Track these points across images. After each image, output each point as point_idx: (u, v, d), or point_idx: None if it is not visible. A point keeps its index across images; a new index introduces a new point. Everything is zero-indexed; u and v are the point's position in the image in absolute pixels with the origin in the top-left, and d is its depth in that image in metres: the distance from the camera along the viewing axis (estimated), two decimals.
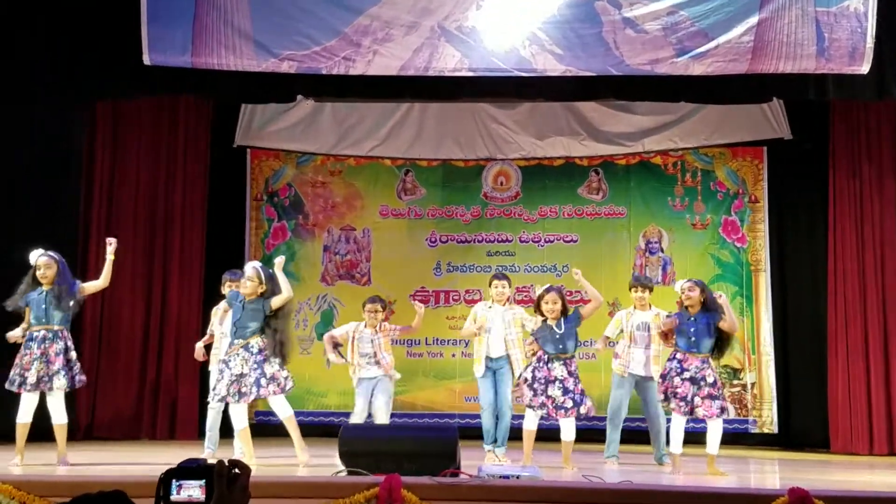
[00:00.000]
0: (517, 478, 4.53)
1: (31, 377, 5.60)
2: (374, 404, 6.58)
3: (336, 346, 6.77)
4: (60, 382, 5.66)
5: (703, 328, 5.88)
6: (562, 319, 6.15)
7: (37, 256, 5.90)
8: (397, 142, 9.37)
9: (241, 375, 5.80)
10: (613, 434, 6.55)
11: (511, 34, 7.06)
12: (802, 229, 8.88)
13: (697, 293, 5.96)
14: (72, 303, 5.86)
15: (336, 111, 9.37)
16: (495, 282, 6.83)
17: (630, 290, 6.73)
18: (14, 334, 5.80)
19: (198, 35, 7.09)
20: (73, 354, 5.82)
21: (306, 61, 7.10)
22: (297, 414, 6.13)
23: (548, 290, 6.24)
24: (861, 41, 6.80)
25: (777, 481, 6.11)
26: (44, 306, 5.75)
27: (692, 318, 5.94)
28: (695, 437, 6.32)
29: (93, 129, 8.34)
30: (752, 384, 8.78)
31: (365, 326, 6.68)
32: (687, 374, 5.83)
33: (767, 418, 8.72)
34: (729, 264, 8.99)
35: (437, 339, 9.13)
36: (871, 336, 8.03)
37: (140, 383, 8.34)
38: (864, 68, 6.82)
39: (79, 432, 7.71)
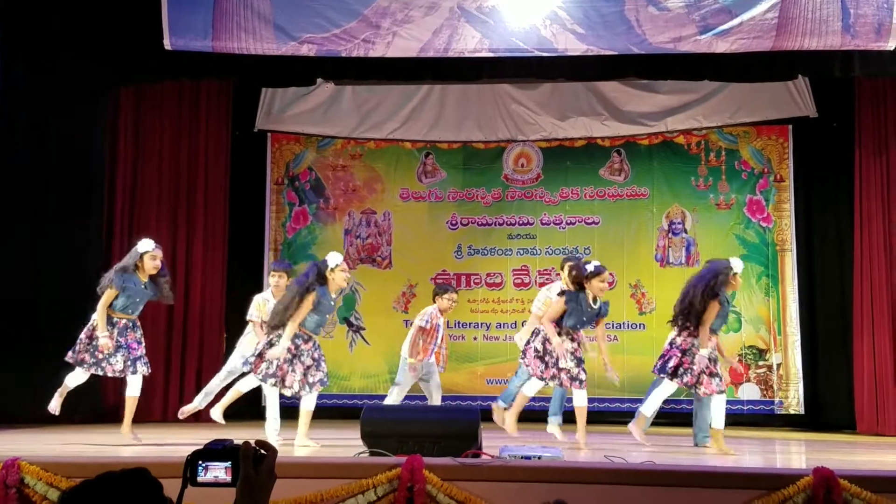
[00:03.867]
0: (539, 458, 4.52)
1: (118, 364, 5.86)
2: (431, 387, 7.01)
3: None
4: (144, 368, 5.98)
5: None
6: (599, 301, 6.19)
7: (153, 246, 5.97)
8: (417, 124, 9.34)
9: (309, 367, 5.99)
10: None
11: (531, 14, 7.01)
12: (829, 208, 8.77)
13: None
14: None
15: (356, 94, 9.36)
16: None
17: None
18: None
19: (218, 19, 7.11)
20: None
21: (326, 44, 7.09)
22: (320, 397, 6.18)
23: (603, 269, 6.21)
24: (887, 16, 6.69)
25: (803, 461, 6.07)
26: (138, 299, 5.95)
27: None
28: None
29: (115, 114, 8.39)
30: (779, 365, 8.71)
31: (441, 314, 7.06)
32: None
33: (794, 399, 8.65)
34: (754, 244, 8.90)
35: (459, 322, 9.12)
36: None
37: (165, 366, 8.40)
38: (891, 44, 6.72)
39: (107, 415, 7.80)
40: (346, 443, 5.85)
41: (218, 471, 1.87)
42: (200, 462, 1.88)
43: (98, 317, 5.81)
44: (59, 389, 5.97)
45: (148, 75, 7.75)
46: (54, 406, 5.95)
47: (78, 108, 7.84)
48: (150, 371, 6.10)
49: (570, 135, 9.27)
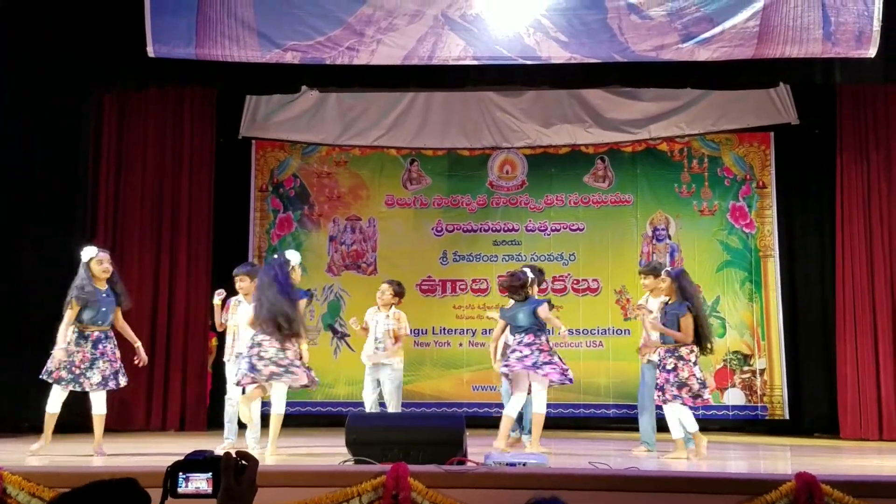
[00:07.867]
0: (524, 465, 4.53)
1: (95, 377, 5.70)
2: (383, 392, 6.61)
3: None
4: (123, 380, 5.86)
5: (672, 318, 5.90)
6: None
7: (96, 251, 5.88)
8: (402, 131, 9.36)
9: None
10: (644, 423, 6.45)
11: (515, 22, 7.03)
12: (811, 214, 8.85)
13: (668, 283, 5.99)
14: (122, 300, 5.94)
15: (341, 101, 9.37)
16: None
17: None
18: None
19: (201, 26, 7.08)
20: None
21: (310, 52, 7.09)
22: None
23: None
24: (868, 24, 6.75)
25: (788, 466, 6.10)
26: (104, 308, 5.81)
27: (664, 310, 6.01)
28: (703, 424, 6.32)
29: (99, 120, 8.35)
30: (763, 370, 8.76)
31: (378, 310, 6.70)
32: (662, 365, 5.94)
33: (778, 404, 8.70)
34: (737, 250, 8.96)
35: (445, 329, 9.13)
36: (879, 320, 7.99)
37: (149, 374, 8.35)
38: (871, 52, 6.77)
39: (90, 424, 7.74)
40: (331, 450, 5.84)
41: (199, 482, 1.87)
42: (181, 473, 1.88)
43: (60, 332, 5.70)
44: (44, 432, 5.68)
45: (132, 82, 7.72)
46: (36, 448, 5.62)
47: (62, 113, 7.79)
48: (127, 382, 5.98)
49: (555, 142, 9.31)
